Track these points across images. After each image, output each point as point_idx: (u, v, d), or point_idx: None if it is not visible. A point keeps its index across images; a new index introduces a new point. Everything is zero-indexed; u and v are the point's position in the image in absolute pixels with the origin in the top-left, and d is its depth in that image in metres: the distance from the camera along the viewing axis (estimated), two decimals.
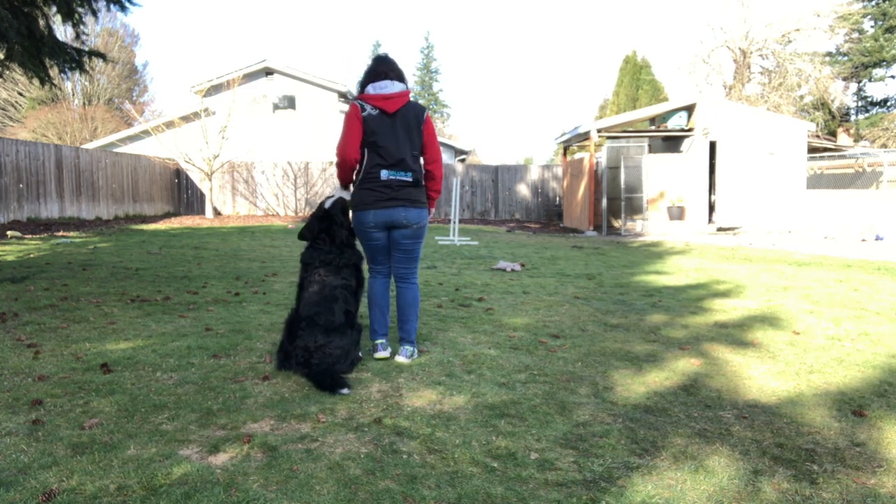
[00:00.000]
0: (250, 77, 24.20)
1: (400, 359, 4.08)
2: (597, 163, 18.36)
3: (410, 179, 3.99)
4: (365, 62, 57.60)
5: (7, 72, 9.16)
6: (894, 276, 8.22)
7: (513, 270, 8.70)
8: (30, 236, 12.66)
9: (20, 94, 34.54)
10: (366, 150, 3.98)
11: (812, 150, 20.50)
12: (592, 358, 4.28)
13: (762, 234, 16.15)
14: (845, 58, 31.52)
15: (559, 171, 24.29)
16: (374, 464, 2.65)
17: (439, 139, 27.92)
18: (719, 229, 16.87)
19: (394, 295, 4.41)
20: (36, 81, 9.38)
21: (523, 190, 24.81)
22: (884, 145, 28.47)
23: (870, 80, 32.36)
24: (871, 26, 31.36)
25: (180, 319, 5.24)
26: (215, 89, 23.28)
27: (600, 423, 3.13)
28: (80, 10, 8.50)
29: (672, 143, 18.31)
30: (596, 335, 4.92)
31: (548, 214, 24.43)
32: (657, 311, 5.86)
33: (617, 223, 18.32)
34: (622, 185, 17.49)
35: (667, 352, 4.45)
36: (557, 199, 24.38)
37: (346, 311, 3.94)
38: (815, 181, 21.82)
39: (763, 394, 3.60)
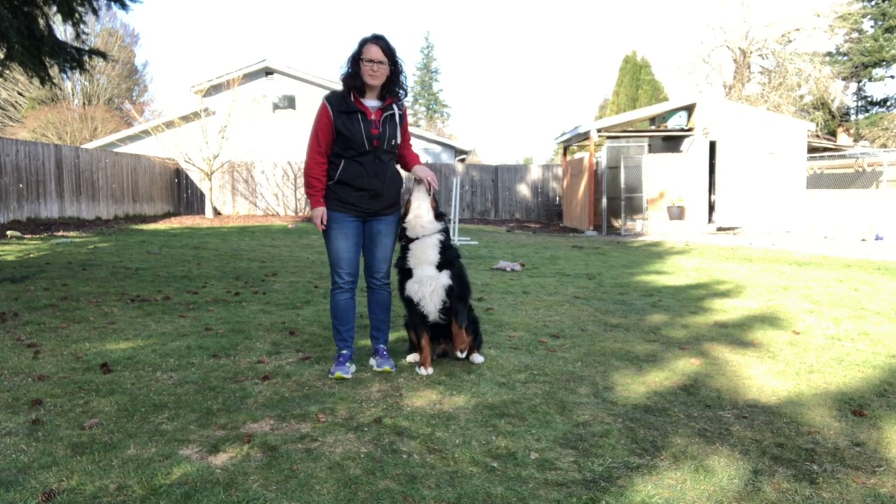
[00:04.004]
0: (250, 77, 24.19)
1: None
2: (597, 163, 18.36)
3: None
4: None
5: (7, 71, 9.16)
6: (894, 276, 8.22)
7: (513, 270, 8.70)
8: (30, 236, 12.66)
9: (20, 93, 34.51)
10: None
11: (812, 149, 20.49)
12: (592, 358, 4.28)
13: (762, 233, 16.15)
14: (845, 58, 31.51)
15: (559, 171, 24.29)
16: (374, 464, 2.65)
17: (438, 138, 27.98)
18: (719, 229, 16.86)
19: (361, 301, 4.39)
20: (36, 81, 9.38)
21: (523, 190, 24.82)
22: (884, 145, 28.47)
23: (870, 80, 32.35)
24: (871, 26, 31.35)
25: (180, 319, 5.25)
26: (215, 89, 23.27)
27: (600, 423, 3.13)
28: (80, 9, 8.49)
29: (672, 143, 18.31)
30: (596, 335, 4.92)
31: (548, 214, 24.43)
32: (657, 311, 5.86)
33: (617, 223, 18.32)
34: (622, 185, 17.48)
35: (667, 352, 4.45)
36: (557, 198, 24.38)
37: None
38: (815, 181, 21.81)
39: (763, 394, 3.60)
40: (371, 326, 4.11)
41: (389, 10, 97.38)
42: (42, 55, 8.29)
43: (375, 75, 3.69)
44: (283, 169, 23.84)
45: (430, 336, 4.00)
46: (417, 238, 3.89)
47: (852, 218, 15.40)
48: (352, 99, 3.73)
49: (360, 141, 3.71)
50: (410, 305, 3.97)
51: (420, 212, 3.89)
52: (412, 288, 3.91)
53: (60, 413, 3.14)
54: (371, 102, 3.79)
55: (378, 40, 3.69)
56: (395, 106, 3.83)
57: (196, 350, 4.29)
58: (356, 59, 3.69)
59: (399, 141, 3.89)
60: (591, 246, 12.97)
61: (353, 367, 3.91)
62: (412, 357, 4.09)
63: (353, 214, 3.83)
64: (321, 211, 3.78)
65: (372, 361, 4.02)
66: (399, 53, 3.81)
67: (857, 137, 30.35)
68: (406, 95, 3.92)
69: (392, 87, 3.81)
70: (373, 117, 3.75)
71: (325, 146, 3.76)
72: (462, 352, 4.02)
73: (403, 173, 4.10)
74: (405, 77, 3.85)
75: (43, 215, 16.20)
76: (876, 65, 31.03)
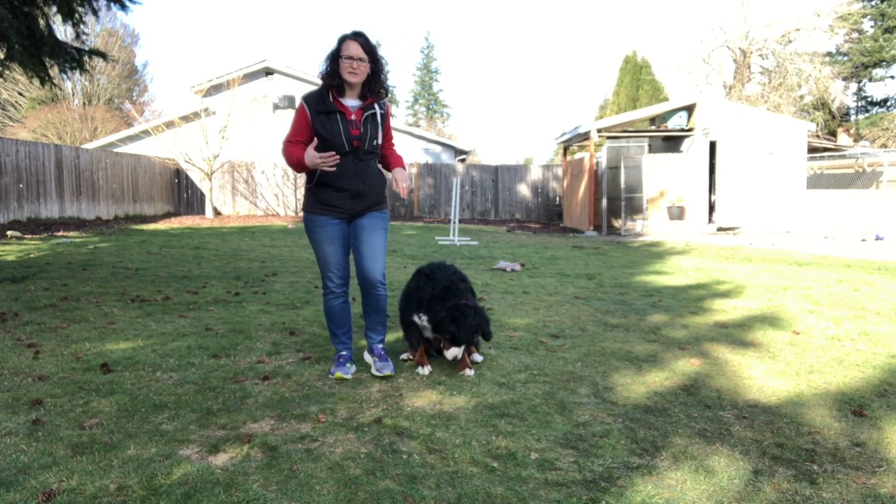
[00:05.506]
0: (250, 77, 24.21)
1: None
2: (597, 163, 18.36)
3: None
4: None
5: (7, 72, 9.16)
6: (894, 276, 8.22)
7: (513, 270, 8.70)
8: (30, 236, 12.66)
9: (20, 94, 34.52)
10: None
11: (812, 150, 20.49)
12: (592, 358, 4.28)
13: (762, 234, 16.15)
14: (845, 58, 31.52)
15: (559, 171, 24.29)
16: (374, 464, 2.65)
17: (438, 138, 27.95)
18: (719, 229, 16.86)
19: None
20: (36, 81, 9.38)
21: (523, 190, 24.82)
22: (884, 145, 28.47)
23: (870, 80, 32.37)
24: (871, 26, 31.36)
25: (180, 319, 5.24)
26: (215, 89, 23.28)
27: (600, 423, 3.13)
28: (80, 9, 8.50)
29: (672, 143, 18.31)
30: (596, 335, 4.92)
31: (548, 214, 24.43)
32: (657, 311, 5.86)
33: (617, 223, 18.32)
34: (622, 185, 17.49)
35: (667, 352, 4.45)
36: (557, 199, 24.38)
37: None
38: (815, 181, 21.80)
39: (763, 394, 3.60)
40: (366, 327, 4.00)
41: (389, 11, 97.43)
42: (42, 55, 8.29)
43: (355, 73, 3.56)
44: (283, 169, 23.83)
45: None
46: None
47: (852, 218, 15.40)
48: (330, 98, 3.60)
49: (340, 142, 3.57)
50: (413, 327, 4.00)
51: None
52: (421, 321, 3.94)
53: (60, 413, 3.14)
54: (351, 102, 3.65)
55: (358, 37, 3.58)
56: (376, 105, 3.70)
57: (196, 350, 4.29)
58: (335, 57, 3.57)
59: (380, 141, 3.76)
60: (591, 246, 12.97)
61: (353, 368, 3.88)
62: (407, 354, 4.16)
63: (335, 216, 3.71)
64: (310, 150, 3.53)
65: (369, 360, 3.98)
66: (381, 51, 3.68)
67: (857, 137, 30.35)
68: (388, 95, 3.78)
69: (373, 86, 3.66)
70: (353, 117, 3.62)
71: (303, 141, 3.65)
72: (465, 372, 3.93)
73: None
74: (386, 76, 3.72)
75: (43, 215, 16.20)
76: (876, 65, 31.03)
